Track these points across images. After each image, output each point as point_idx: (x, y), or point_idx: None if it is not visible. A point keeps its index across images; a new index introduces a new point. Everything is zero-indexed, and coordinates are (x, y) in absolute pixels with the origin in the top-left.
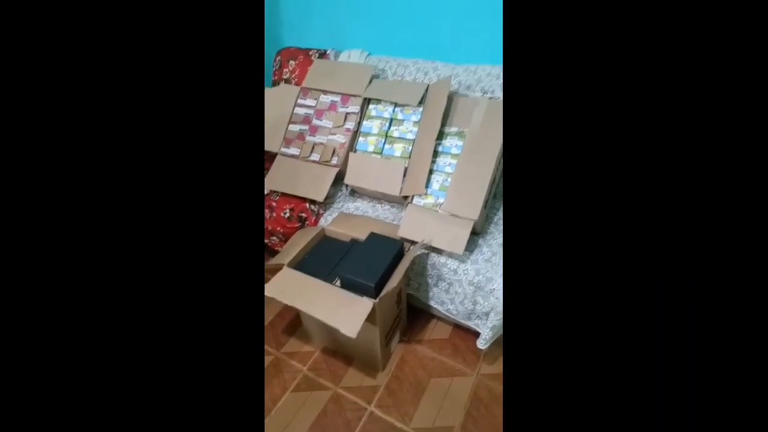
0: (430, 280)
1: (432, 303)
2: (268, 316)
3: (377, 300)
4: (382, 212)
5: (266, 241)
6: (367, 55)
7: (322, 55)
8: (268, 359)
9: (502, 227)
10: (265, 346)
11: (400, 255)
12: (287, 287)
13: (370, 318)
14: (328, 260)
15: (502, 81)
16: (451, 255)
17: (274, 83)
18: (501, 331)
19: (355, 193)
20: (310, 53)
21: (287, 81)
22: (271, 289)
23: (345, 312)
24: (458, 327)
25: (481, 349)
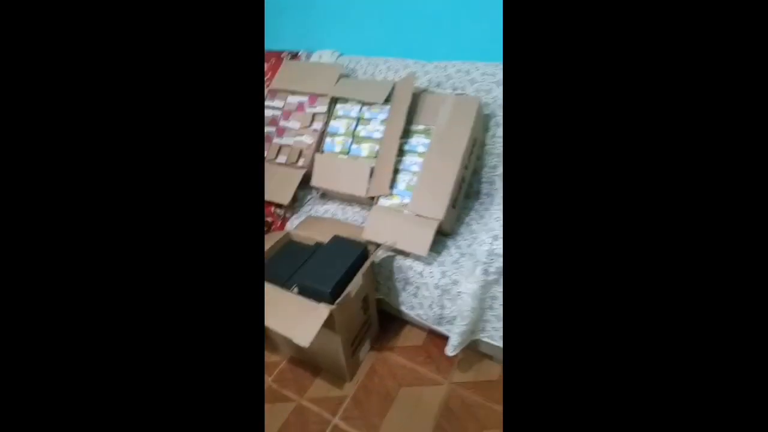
0: (398, 284)
1: (402, 308)
2: None
3: (335, 306)
4: (352, 215)
5: None
6: (339, 55)
7: (294, 56)
8: None
9: (473, 228)
10: None
11: (362, 258)
12: None
13: (330, 325)
14: (289, 266)
15: (471, 77)
16: (417, 257)
17: None
18: (471, 337)
19: (325, 195)
20: (282, 55)
21: None
22: None
23: (300, 320)
24: (433, 333)
25: (450, 356)
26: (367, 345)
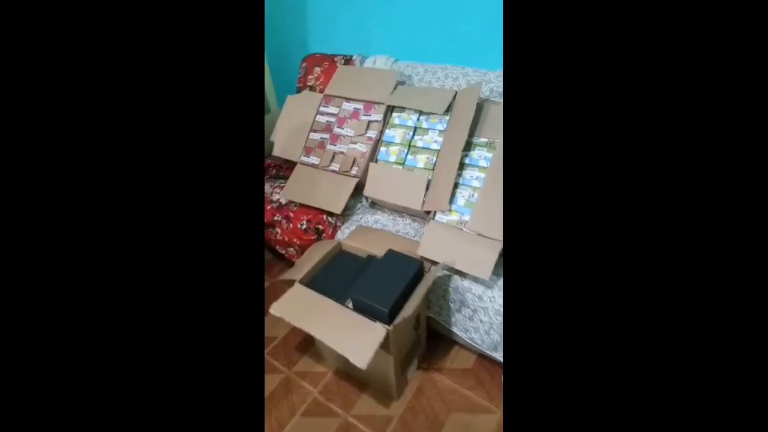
0: (452, 305)
1: (454, 329)
2: (281, 331)
3: (391, 327)
4: (403, 226)
5: (283, 251)
6: (394, 61)
7: (348, 61)
8: (278, 378)
9: None
10: (277, 363)
11: (419, 276)
12: (296, 307)
13: (384, 345)
14: (342, 278)
15: None
16: (475, 279)
17: (299, 90)
18: None
19: (375, 204)
20: (336, 59)
21: (312, 88)
22: (279, 308)
23: (356, 339)
24: (483, 356)
25: None
26: (414, 363)
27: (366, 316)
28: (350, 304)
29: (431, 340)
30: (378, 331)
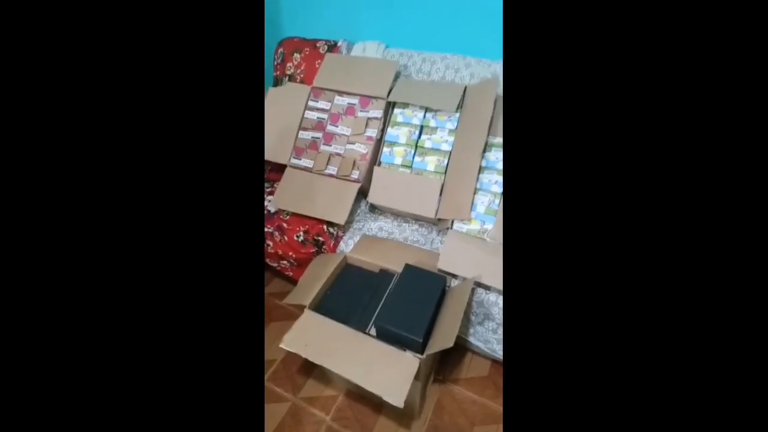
0: (473, 317)
1: (472, 339)
2: (280, 352)
3: (424, 356)
4: (410, 233)
5: (275, 264)
6: (385, 48)
7: (332, 47)
8: (284, 407)
9: None
10: (280, 390)
11: (443, 294)
12: (311, 338)
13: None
14: (354, 298)
15: None
16: (501, 293)
17: (276, 80)
18: None
19: (375, 209)
20: (318, 45)
21: (291, 78)
22: (292, 342)
23: (387, 373)
24: (498, 362)
25: None
26: (431, 377)
27: (393, 345)
28: (372, 331)
29: (443, 350)
30: (410, 362)
